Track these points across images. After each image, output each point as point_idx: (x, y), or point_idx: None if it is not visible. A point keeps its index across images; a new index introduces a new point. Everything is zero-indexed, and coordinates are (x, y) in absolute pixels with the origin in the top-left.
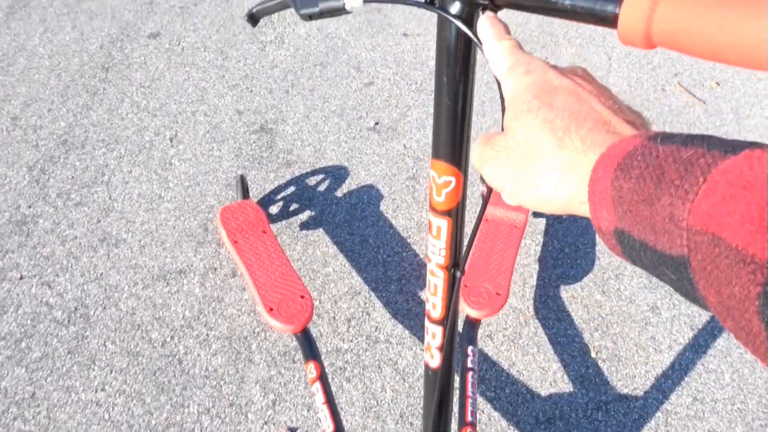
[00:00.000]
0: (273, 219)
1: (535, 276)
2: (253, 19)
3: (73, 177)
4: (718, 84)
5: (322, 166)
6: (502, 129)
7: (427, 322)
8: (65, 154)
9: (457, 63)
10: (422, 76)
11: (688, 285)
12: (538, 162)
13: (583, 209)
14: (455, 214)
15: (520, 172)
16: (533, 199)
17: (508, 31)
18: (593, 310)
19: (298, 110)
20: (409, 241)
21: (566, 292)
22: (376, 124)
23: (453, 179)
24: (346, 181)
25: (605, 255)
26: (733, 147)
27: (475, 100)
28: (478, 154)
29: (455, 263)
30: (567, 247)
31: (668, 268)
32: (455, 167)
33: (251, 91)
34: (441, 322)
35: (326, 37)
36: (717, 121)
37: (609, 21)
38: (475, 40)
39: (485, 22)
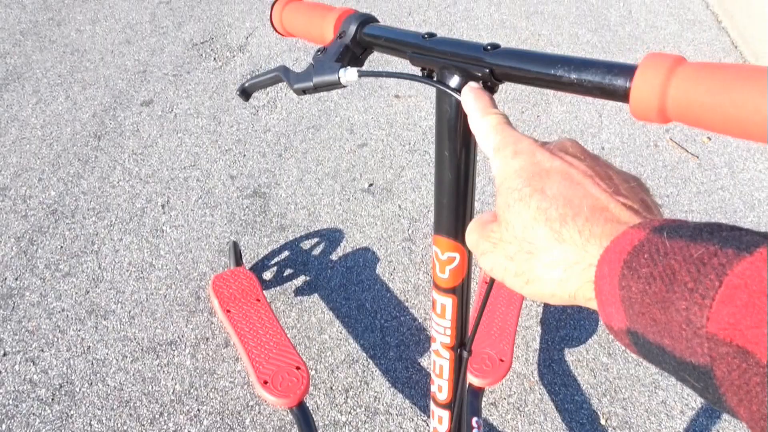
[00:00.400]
0: (267, 285)
1: (538, 339)
2: (246, 93)
3: (62, 247)
4: (710, 138)
5: (316, 229)
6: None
7: (432, 405)
8: (54, 223)
9: (457, 137)
10: (415, 136)
11: (714, 394)
12: (538, 257)
13: (591, 304)
14: (460, 291)
15: (519, 266)
16: (537, 293)
17: (493, 103)
18: (600, 373)
19: (292, 173)
20: (407, 304)
21: (571, 355)
22: (371, 185)
23: (457, 255)
24: (341, 244)
25: None
26: (746, 244)
27: None
28: (473, 244)
29: (461, 343)
30: (569, 308)
31: (690, 375)
32: (459, 243)
33: (244, 155)
34: (448, 406)
35: (318, 100)
36: (712, 175)
37: (619, 95)
38: None
39: (469, 94)
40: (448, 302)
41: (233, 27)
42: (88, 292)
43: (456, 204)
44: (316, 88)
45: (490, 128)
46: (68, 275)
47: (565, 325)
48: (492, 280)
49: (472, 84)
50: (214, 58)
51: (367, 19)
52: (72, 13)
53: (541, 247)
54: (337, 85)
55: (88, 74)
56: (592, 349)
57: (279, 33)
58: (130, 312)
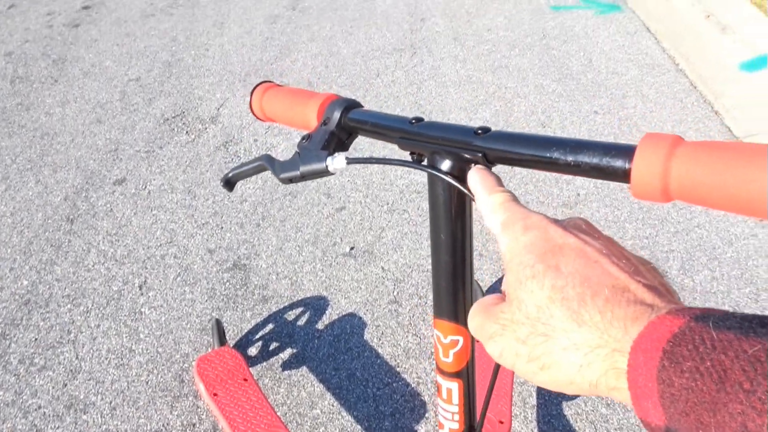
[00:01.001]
0: (253, 362)
1: (534, 395)
2: (229, 184)
3: (36, 339)
4: None
5: (300, 298)
6: (502, 292)
7: None
8: (28, 315)
9: (452, 219)
10: (392, 196)
11: None
12: (555, 340)
13: (615, 395)
14: (466, 374)
15: (533, 350)
16: (552, 381)
17: (500, 182)
18: (600, 425)
19: (271, 243)
20: (398, 369)
21: (569, 409)
22: (352, 249)
23: (460, 338)
24: (327, 312)
25: None
26: None
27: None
28: (477, 326)
29: (471, 426)
30: None
31: None
32: (461, 326)
33: (221, 228)
34: None
35: None
36: (687, 214)
37: (620, 176)
38: (471, 195)
39: (475, 175)
40: (454, 386)
41: (204, 99)
42: (65, 385)
43: (455, 287)
44: (304, 177)
45: (497, 205)
46: (44, 369)
47: None
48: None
49: (477, 167)
50: (187, 132)
51: (351, 105)
52: (41, 96)
53: (559, 328)
54: (325, 173)
55: (59, 157)
56: (590, 400)
57: (259, 119)
58: (111, 403)
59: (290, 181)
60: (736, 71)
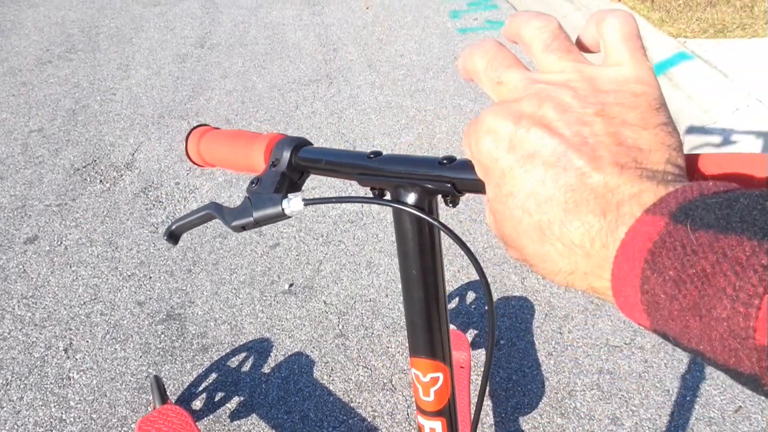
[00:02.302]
0: (199, 416)
1: (491, 413)
2: (174, 237)
3: None
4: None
5: (241, 342)
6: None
7: None
8: None
9: (423, 254)
10: (326, 228)
11: (763, 394)
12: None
13: (602, 295)
14: (448, 412)
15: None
16: (544, 271)
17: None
18: None
19: (205, 288)
20: (352, 405)
21: (526, 423)
22: (291, 285)
23: (440, 375)
24: (272, 354)
25: (552, 373)
26: None
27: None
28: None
29: None
30: (514, 374)
31: (735, 378)
32: (440, 362)
33: (150, 278)
34: None
35: None
36: None
37: None
38: (443, 229)
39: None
40: (437, 425)
41: (116, 146)
42: None
43: (430, 322)
44: (258, 223)
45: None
46: None
47: (513, 393)
48: (480, 403)
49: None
50: (101, 181)
51: (300, 143)
52: None
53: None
54: (281, 217)
55: None
56: (545, 412)
57: (197, 164)
58: None
59: (243, 228)
60: None
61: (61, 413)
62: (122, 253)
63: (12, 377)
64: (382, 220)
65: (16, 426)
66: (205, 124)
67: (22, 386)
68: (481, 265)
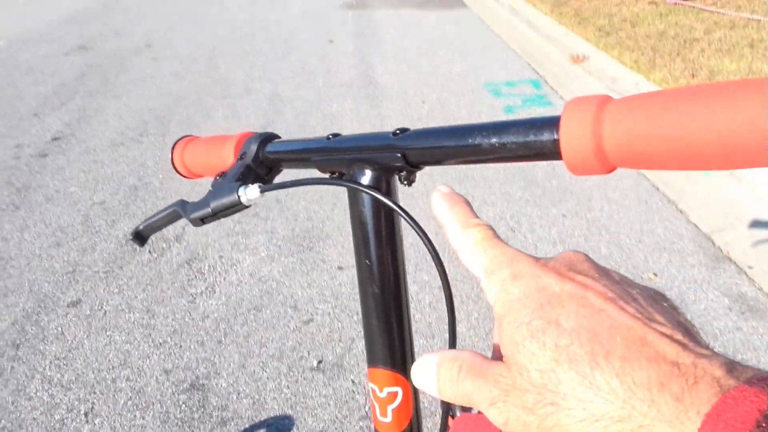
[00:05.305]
0: None
1: None
2: (140, 237)
3: None
4: (656, 275)
5: (263, 418)
6: (494, 347)
7: None
8: None
9: (379, 241)
10: None
11: None
12: (567, 411)
13: None
14: None
15: (543, 421)
16: None
17: (472, 210)
18: None
19: (233, 360)
20: None
21: None
22: (320, 362)
23: (399, 390)
24: None
25: None
26: None
27: (421, 322)
28: (472, 390)
29: None
30: None
31: None
32: (399, 374)
33: (180, 346)
34: None
35: (259, 281)
36: None
37: (549, 151)
38: (397, 209)
39: (441, 201)
40: None
41: None
42: None
43: (388, 324)
44: (215, 214)
45: (475, 245)
46: None
47: None
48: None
49: (441, 188)
50: (149, 251)
51: (268, 137)
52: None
53: (570, 396)
54: (237, 205)
55: (11, 281)
56: None
57: (183, 176)
58: None
59: (202, 221)
60: (694, 173)
61: None
62: (158, 320)
63: None
64: (420, 301)
65: None
66: (189, 135)
67: None
68: (441, 257)
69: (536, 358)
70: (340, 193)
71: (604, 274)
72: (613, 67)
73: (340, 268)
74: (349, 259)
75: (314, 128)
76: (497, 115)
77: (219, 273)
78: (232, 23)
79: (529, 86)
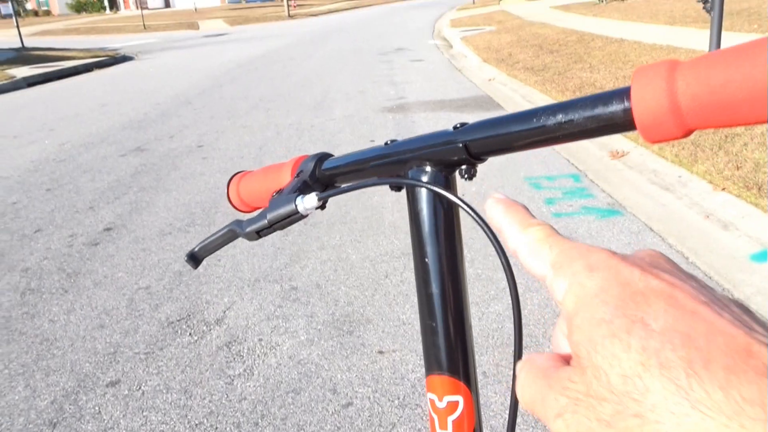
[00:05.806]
0: None
1: None
2: (195, 259)
3: None
4: None
5: None
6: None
7: None
8: None
9: (439, 239)
10: (404, 390)
11: None
12: (656, 425)
13: None
14: None
15: None
16: None
17: (529, 212)
18: None
19: None
20: None
21: None
22: None
23: (460, 399)
24: None
25: None
26: None
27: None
28: (534, 398)
29: None
30: None
31: None
32: (461, 380)
33: (216, 428)
34: None
35: (298, 364)
36: None
37: (621, 120)
38: (461, 204)
39: (496, 206)
40: None
41: (211, 303)
42: None
43: (447, 326)
44: (272, 225)
45: (539, 242)
46: None
47: None
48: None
49: (495, 195)
50: (190, 333)
51: (324, 156)
52: (48, 305)
53: (660, 408)
54: (294, 215)
55: (54, 361)
56: None
57: (240, 210)
58: None
59: (258, 234)
60: (747, 262)
61: None
62: (195, 401)
63: None
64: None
65: None
66: (244, 171)
67: None
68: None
69: (619, 361)
70: (382, 278)
71: (690, 276)
72: (653, 161)
73: (380, 352)
74: (390, 344)
75: (355, 218)
76: (538, 206)
77: (258, 355)
78: (277, 126)
79: (570, 180)
